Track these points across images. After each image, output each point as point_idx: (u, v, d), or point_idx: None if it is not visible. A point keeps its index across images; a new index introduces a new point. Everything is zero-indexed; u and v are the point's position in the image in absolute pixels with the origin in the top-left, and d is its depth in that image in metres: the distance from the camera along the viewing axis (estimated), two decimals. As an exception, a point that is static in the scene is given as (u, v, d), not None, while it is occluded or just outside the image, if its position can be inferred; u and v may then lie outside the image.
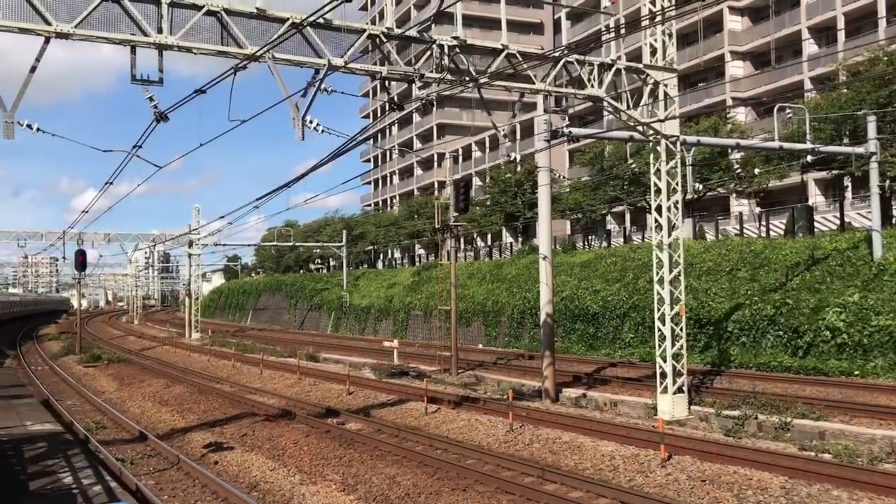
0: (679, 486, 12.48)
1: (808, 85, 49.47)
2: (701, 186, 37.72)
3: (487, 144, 77.29)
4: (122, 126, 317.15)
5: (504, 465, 14.44)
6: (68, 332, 63.50)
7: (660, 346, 18.18)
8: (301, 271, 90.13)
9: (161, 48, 13.34)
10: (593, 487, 12.55)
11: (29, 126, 14.20)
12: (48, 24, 12.48)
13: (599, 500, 12.00)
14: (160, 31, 13.25)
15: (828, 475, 11.95)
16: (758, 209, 46.19)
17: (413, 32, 15.42)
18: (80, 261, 36.48)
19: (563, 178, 57.29)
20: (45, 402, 24.15)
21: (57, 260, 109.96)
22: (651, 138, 18.44)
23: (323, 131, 14.43)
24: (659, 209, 18.36)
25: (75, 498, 11.09)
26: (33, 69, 12.63)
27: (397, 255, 79.90)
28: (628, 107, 17.90)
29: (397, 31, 15.11)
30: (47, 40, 12.67)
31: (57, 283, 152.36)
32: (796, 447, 14.30)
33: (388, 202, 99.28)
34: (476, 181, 74.71)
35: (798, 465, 12.58)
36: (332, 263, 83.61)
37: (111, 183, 19.27)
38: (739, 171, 39.00)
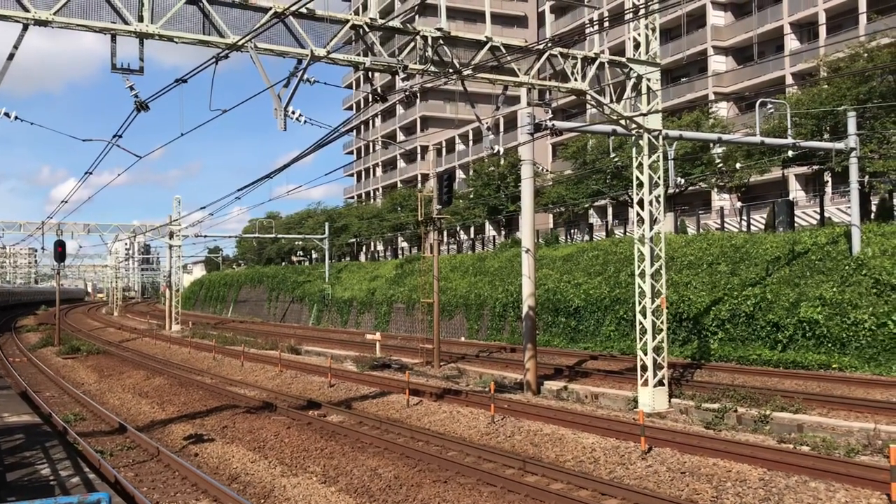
0: (659, 478, 12.56)
1: (789, 80, 49.79)
2: (683, 181, 37.85)
3: (471, 137, 77.25)
4: (103, 116, 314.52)
5: (485, 456, 14.47)
6: (47, 324, 62.91)
7: (641, 339, 18.28)
8: (283, 263, 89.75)
9: (142, 37, 13.20)
10: (574, 479, 12.61)
11: (7, 114, 14.04)
12: (26, 10, 12.32)
13: (580, 491, 12.06)
14: (141, 19, 13.11)
15: (806, 467, 12.08)
16: (739, 203, 46.51)
17: (397, 23, 15.35)
18: (59, 252, 36.12)
19: (547, 171, 57.43)
20: (22, 393, 23.93)
21: (35, 251, 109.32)
22: (634, 132, 18.49)
23: (305, 122, 14.34)
24: (641, 203, 18.43)
25: (53, 489, 11.00)
26: (11, 56, 12.46)
27: (380, 247, 79.78)
28: (611, 101, 17.94)
29: (381, 21, 15.04)
30: (25, 27, 12.50)
31: (35, 275, 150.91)
32: (775, 440, 14.44)
33: (372, 194, 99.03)
34: (459, 174, 74.68)
35: (776, 458, 12.70)
36: (314, 256, 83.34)
37: (91, 173, 19.05)
38: (721, 165, 39.22)
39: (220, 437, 17.24)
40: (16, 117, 14.12)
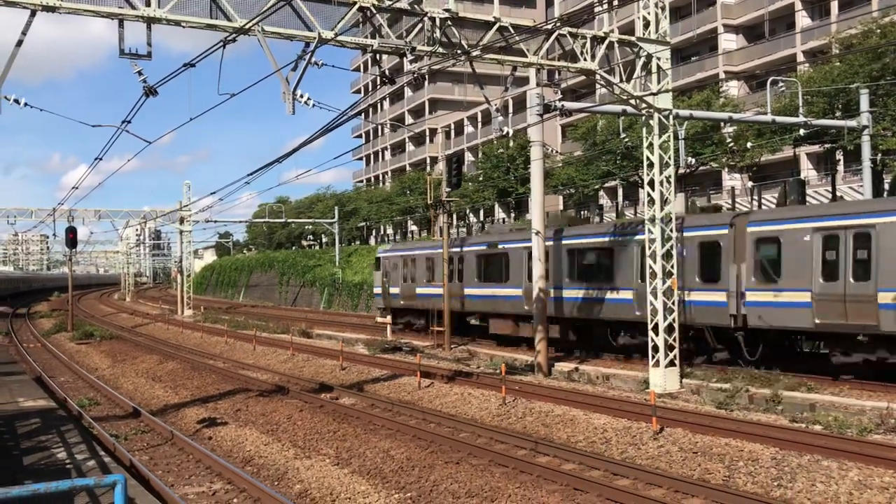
0: (671, 458, 12.58)
1: (800, 58, 49.28)
2: (693, 160, 37.68)
3: (480, 119, 76.94)
4: (113, 103, 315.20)
5: (497, 438, 14.52)
6: (60, 310, 63.34)
7: (652, 319, 18.26)
8: (293, 248, 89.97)
9: (149, 21, 13.19)
10: (586, 460, 12.65)
11: (17, 101, 14.08)
12: (34, -4, 12.31)
13: (592, 472, 12.09)
14: (148, 3, 13.10)
15: (818, 446, 12.07)
16: (750, 183, 46.22)
17: (404, 5, 15.27)
18: (71, 238, 36.34)
19: (556, 152, 57.18)
20: (37, 378, 24.12)
21: (47, 237, 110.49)
22: (644, 112, 18.38)
23: (314, 105, 14.32)
24: (651, 183, 18.35)
25: (69, 472, 11.11)
26: (19, 43, 12.49)
27: (390, 231, 79.80)
28: (621, 80, 17.82)
29: (388, 3, 14.96)
30: (33, 13, 12.52)
31: (48, 261, 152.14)
32: (787, 419, 14.42)
33: (381, 178, 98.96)
34: (468, 156, 74.49)
35: (789, 437, 12.69)
36: (324, 240, 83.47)
37: (101, 159, 19.17)
38: (732, 145, 38.96)
39: (233, 420, 17.36)
40: (25, 104, 14.15)
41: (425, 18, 15.20)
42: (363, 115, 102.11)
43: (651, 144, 18.28)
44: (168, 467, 13.41)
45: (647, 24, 18.06)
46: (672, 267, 18.34)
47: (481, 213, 70.02)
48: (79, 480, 5.47)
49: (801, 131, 28.22)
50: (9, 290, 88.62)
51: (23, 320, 55.62)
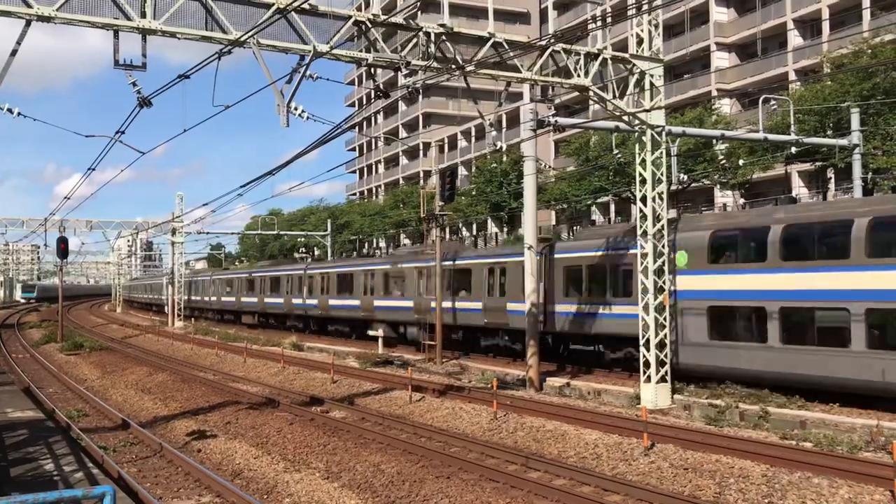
0: (662, 474, 12.56)
1: (792, 77, 49.66)
2: (686, 177, 37.80)
3: (473, 134, 77.14)
4: (109, 113, 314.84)
5: (488, 452, 14.48)
6: (49, 321, 62.99)
7: (643, 335, 18.28)
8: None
9: (144, 33, 13.23)
10: (577, 475, 12.62)
11: (10, 110, 14.07)
12: (29, 6, 12.35)
13: (583, 487, 12.06)
14: (144, 15, 13.13)
15: (809, 463, 12.07)
16: (742, 200, 46.43)
17: (399, 19, 15.35)
18: (62, 248, 36.21)
19: (549, 168, 57.32)
20: (26, 389, 23.95)
21: (38, 247, 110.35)
22: (637, 128, 18.48)
23: (308, 118, 14.34)
24: (644, 199, 18.42)
25: (56, 484, 11.02)
26: (14, 52, 12.51)
27: (382, 244, 79.76)
28: (614, 97, 17.93)
29: (383, 17, 15.04)
30: (28, 23, 12.53)
31: (38, 272, 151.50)
32: (778, 436, 14.43)
33: (374, 191, 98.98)
34: (462, 171, 74.59)
35: (779, 454, 12.69)
36: (316, 252, 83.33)
37: (93, 169, 19.15)
38: (724, 162, 39.14)
39: (222, 433, 17.27)
40: (18, 113, 14.14)
41: (420, 33, 15.27)
42: (357, 128, 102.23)
43: (644, 161, 18.37)
44: (157, 480, 13.31)
45: (640, 42, 18.20)
46: (664, 283, 18.39)
47: (474, 227, 70.07)
48: (66, 492, 5.44)
49: (793, 149, 28.39)
50: (51, 296, 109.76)
51: (11, 331, 55.27)
